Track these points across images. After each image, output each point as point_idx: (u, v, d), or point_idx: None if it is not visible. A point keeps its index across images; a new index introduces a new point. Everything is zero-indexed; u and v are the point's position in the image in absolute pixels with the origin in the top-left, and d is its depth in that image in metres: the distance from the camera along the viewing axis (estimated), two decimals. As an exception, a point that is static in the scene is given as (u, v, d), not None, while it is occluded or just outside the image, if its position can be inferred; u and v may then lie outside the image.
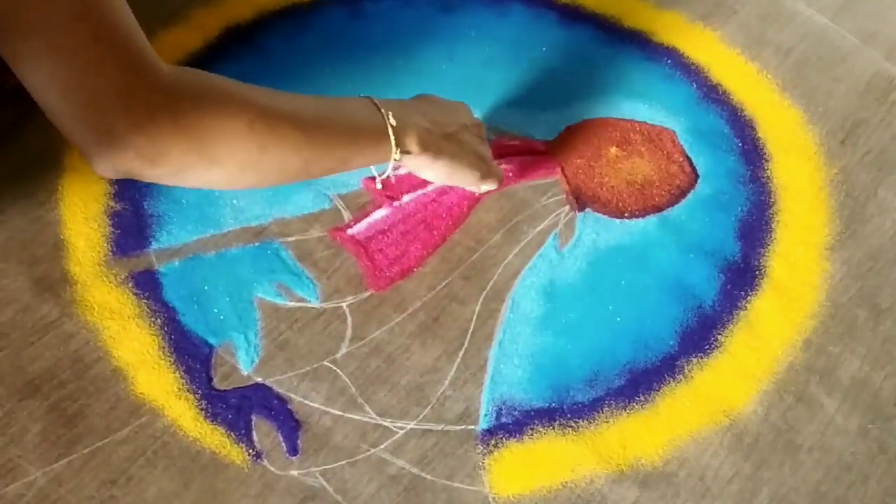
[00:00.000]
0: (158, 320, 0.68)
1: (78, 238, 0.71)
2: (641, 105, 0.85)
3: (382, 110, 0.64)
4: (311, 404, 0.65)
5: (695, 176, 0.80)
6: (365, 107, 0.64)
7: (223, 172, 0.54)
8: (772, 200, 0.79)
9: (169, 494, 0.60)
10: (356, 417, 0.65)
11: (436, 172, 0.68)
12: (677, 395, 0.68)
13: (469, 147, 0.69)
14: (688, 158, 0.81)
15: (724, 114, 0.85)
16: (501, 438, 0.65)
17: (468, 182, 0.71)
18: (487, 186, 0.72)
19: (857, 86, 0.89)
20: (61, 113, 0.49)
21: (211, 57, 0.84)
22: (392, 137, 0.63)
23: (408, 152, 0.65)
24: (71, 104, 0.48)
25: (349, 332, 0.69)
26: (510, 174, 0.78)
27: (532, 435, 0.65)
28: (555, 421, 0.66)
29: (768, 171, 0.81)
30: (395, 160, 0.64)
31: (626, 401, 0.67)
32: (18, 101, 0.76)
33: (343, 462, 0.63)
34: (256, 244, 0.72)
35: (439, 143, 0.67)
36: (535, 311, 0.71)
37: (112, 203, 0.74)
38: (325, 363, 0.67)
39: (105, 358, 0.65)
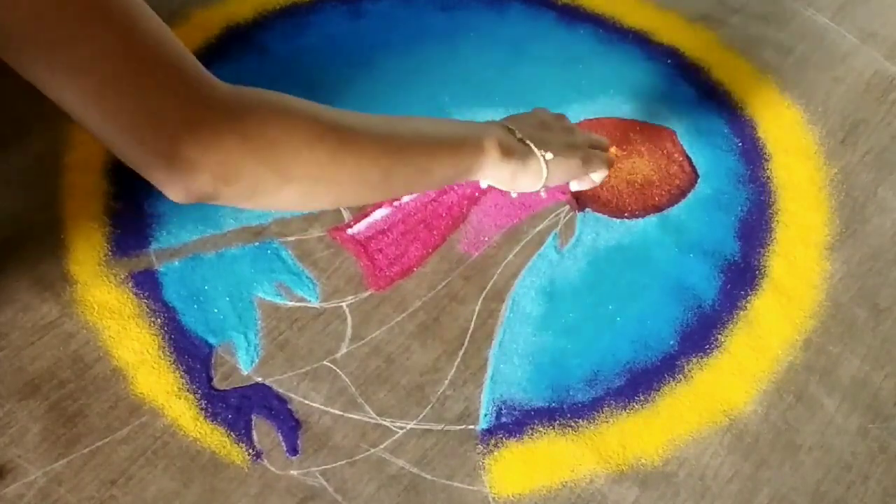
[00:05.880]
0: (158, 320, 0.68)
1: (78, 238, 0.71)
2: (641, 105, 0.85)
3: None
4: (311, 404, 0.65)
5: (695, 176, 0.80)
6: (446, 121, 0.61)
7: (298, 188, 0.52)
8: (772, 200, 0.79)
9: (169, 494, 0.60)
10: (356, 417, 0.65)
11: (528, 176, 0.64)
12: (677, 394, 0.68)
13: (558, 143, 0.66)
14: (688, 158, 0.81)
15: (724, 114, 0.85)
16: (501, 438, 0.65)
17: (574, 173, 0.66)
18: (599, 174, 0.68)
19: (857, 86, 0.89)
20: (126, 145, 0.48)
21: (211, 57, 0.84)
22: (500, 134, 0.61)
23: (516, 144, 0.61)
24: (135, 135, 0.47)
25: (349, 332, 0.69)
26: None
27: (532, 435, 0.65)
28: (555, 421, 0.66)
29: (768, 171, 0.81)
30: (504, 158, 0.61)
31: (626, 401, 0.67)
32: (19, 103, 0.76)
33: (343, 462, 0.63)
34: (256, 244, 0.72)
35: (527, 148, 0.64)
36: (535, 310, 0.71)
37: (112, 203, 0.74)
38: (325, 363, 0.67)
39: (105, 358, 0.65)
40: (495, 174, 0.62)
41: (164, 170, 0.48)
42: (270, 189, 0.51)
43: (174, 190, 0.50)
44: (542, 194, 0.65)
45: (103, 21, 0.44)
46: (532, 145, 0.63)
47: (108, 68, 0.45)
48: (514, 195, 0.66)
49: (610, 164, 0.70)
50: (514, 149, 0.62)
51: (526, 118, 0.66)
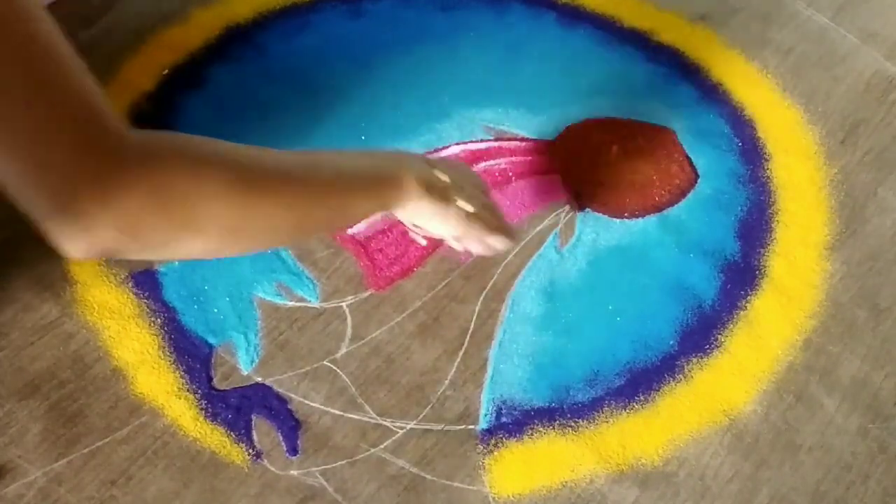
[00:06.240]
0: (158, 320, 0.68)
1: (78, 238, 0.71)
2: (641, 105, 0.85)
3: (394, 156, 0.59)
4: (311, 404, 0.65)
5: (695, 176, 0.80)
6: (367, 153, 0.60)
7: (208, 240, 0.49)
8: (772, 200, 0.79)
9: (169, 494, 0.60)
10: (356, 417, 0.65)
11: (445, 219, 0.62)
12: (677, 395, 0.68)
13: (477, 200, 0.65)
14: (688, 158, 0.81)
15: (724, 114, 0.85)
16: (501, 438, 0.65)
17: (473, 235, 0.64)
18: (499, 243, 0.66)
19: (857, 86, 0.89)
20: (25, 197, 0.44)
21: (211, 57, 0.84)
22: (409, 177, 0.59)
23: (418, 196, 0.60)
24: (34, 186, 0.43)
25: (349, 332, 0.69)
26: (510, 174, 0.78)
27: (532, 435, 0.65)
28: (555, 421, 0.66)
29: (768, 171, 0.81)
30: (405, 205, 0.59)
31: (626, 401, 0.67)
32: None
33: (343, 462, 0.63)
34: (256, 244, 0.72)
35: (448, 192, 0.62)
36: (535, 310, 0.71)
37: (112, 203, 0.74)
38: (325, 363, 0.67)
39: (105, 358, 0.65)
40: (416, 210, 0.61)
41: (64, 224, 0.44)
42: (181, 243, 0.48)
43: (74, 246, 0.45)
44: (422, 242, 0.64)
45: (19, 61, 0.40)
46: (453, 193, 0.61)
47: (9, 106, 0.41)
48: (423, 241, 0.65)
49: (515, 239, 0.68)
50: (435, 187, 0.61)
51: (448, 162, 0.64)
